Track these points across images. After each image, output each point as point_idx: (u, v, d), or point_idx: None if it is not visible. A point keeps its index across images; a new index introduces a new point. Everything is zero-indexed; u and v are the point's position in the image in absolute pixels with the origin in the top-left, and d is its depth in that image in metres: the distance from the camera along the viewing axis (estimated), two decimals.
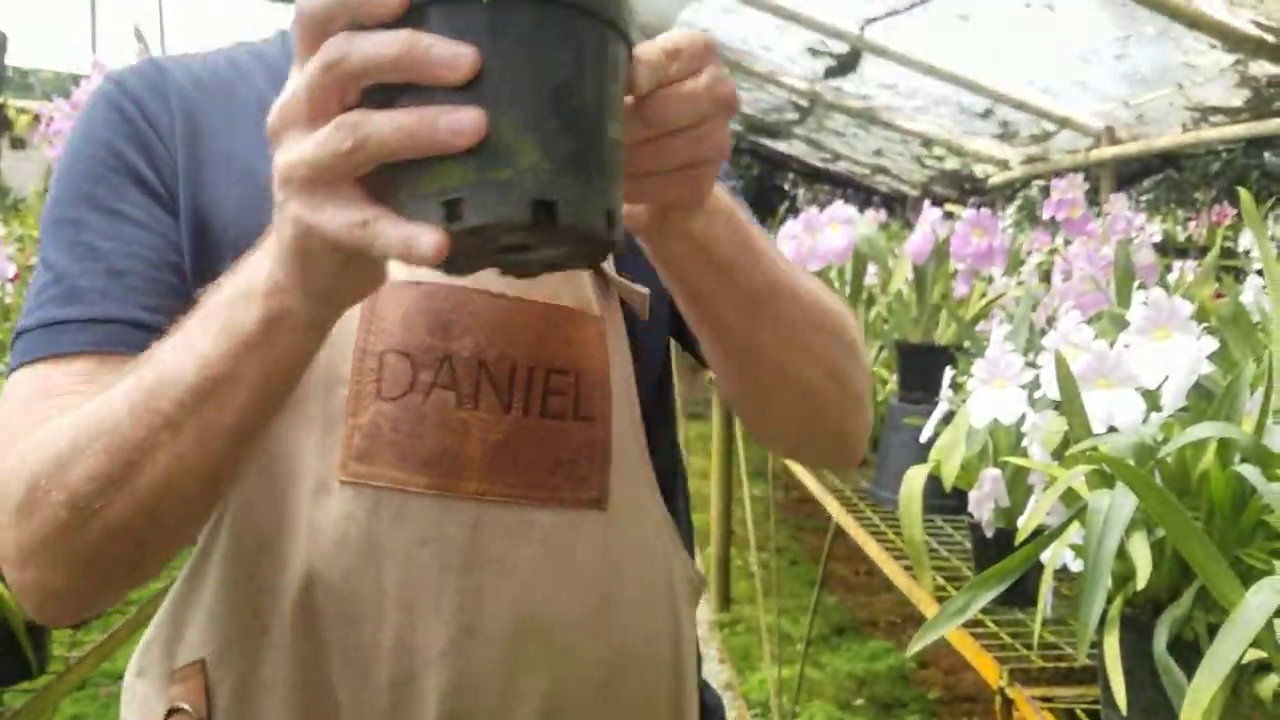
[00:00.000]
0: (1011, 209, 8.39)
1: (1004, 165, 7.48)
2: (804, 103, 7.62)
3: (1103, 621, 0.95)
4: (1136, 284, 1.59)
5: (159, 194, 0.79)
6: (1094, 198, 7.16)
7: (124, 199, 0.78)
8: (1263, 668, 0.82)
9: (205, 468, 0.62)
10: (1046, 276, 2.62)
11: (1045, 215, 1.97)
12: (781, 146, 9.22)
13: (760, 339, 0.75)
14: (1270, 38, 4.35)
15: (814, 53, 6.42)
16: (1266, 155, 6.81)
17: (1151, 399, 1.08)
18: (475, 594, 0.76)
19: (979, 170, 7.72)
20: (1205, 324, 1.27)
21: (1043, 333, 1.75)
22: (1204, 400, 1.10)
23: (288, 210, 0.51)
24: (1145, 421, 1.02)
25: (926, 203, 1.85)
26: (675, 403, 1.00)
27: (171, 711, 0.77)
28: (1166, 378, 1.05)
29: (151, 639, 0.81)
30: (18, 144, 6.55)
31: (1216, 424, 0.93)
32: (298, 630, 0.76)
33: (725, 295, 0.71)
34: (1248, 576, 0.86)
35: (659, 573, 0.85)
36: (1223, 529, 0.92)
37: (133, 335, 0.73)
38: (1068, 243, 2.38)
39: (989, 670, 1.14)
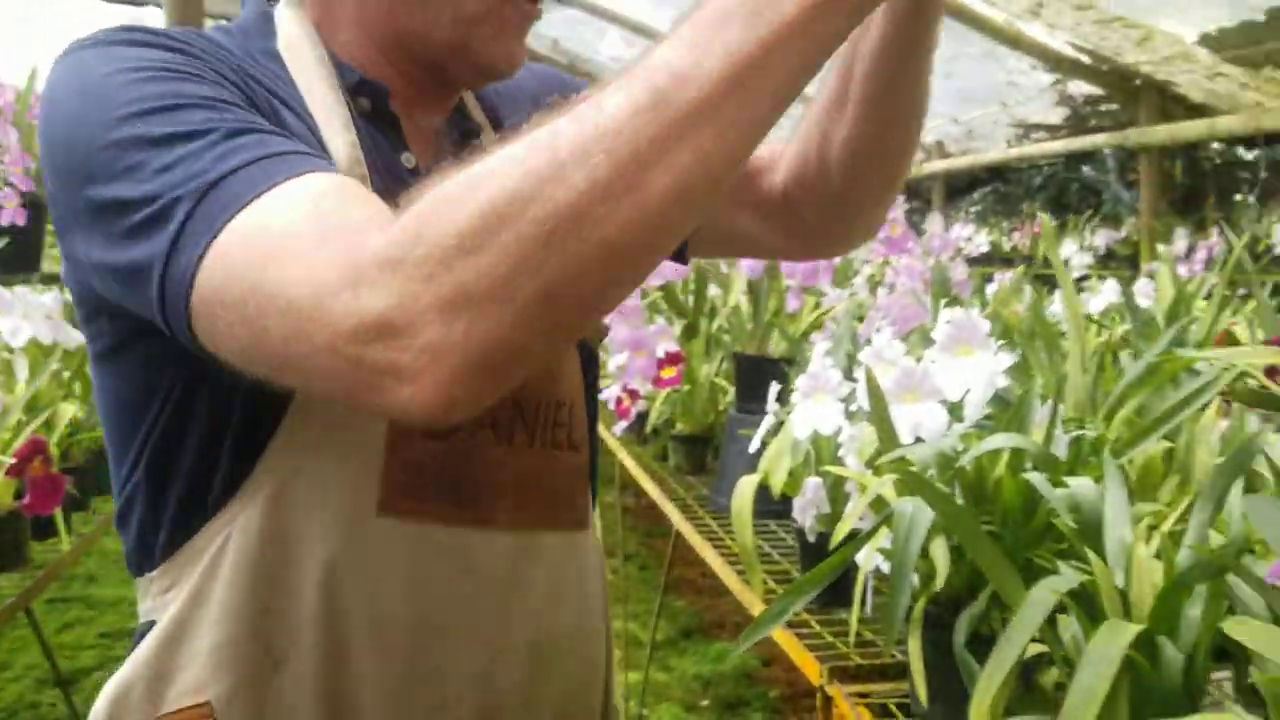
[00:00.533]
0: None
1: None
2: None
3: (910, 620, 1.02)
4: (946, 300, 1.69)
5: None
6: (927, 208, 7.48)
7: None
8: (1049, 661, 0.90)
9: (720, 169, 0.54)
10: (876, 287, 2.74)
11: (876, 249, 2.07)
12: None
13: (923, 65, 0.83)
14: (1085, 58, 4.64)
15: None
16: (1084, 169, 7.25)
17: (956, 410, 1.16)
18: (505, 617, 0.79)
19: None
20: (1006, 340, 1.36)
21: (869, 343, 1.84)
22: (1004, 411, 1.19)
23: None
24: (948, 432, 1.09)
25: None
26: None
27: None
28: (968, 391, 1.13)
29: (128, 684, 0.76)
30: None
31: (1008, 435, 1.01)
32: (323, 662, 0.74)
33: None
34: (1037, 576, 0.94)
35: (601, 577, 0.92)
36: (1015, 532, 1.00)
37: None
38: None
39: (811, 669, 1.20)
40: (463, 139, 0.86)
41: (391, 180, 0.77)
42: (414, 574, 0.76)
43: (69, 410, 1.76)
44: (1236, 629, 0.61)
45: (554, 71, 1.00)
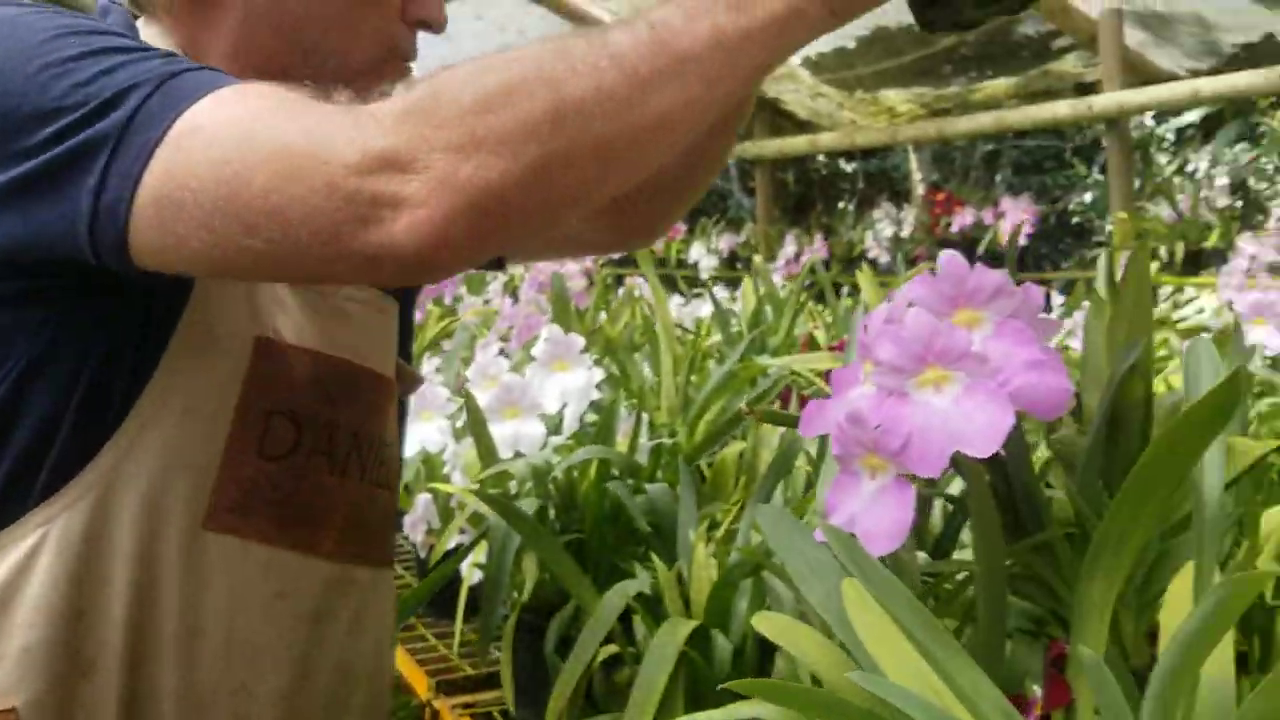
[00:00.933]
0: None
1: None
2: None
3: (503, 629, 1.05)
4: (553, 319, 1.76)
5: None
6: None
7: None
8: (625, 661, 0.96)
9: (697, 112, 0.61)
10: (514, 293, 2.80)
11: None
12: None
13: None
14: None
15: None
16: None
17: (558, 423, 1.21)
18: (316, 644, 0.81)
19: None
20: (609, 353, 1.44)
21: (503, 354, 1.88)
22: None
23: None
24: (545, 445, 1.14)
25: None
26: None
27: None
28: (566, 405, 1.19)
29: None
30: None
31: (596, 446, 1.07)
32: (128, 673, 0.73)
33: None
34: (621, 580, 1.00)
35: (393, 617, 0.94)
36: (601, 538, 1.06)
37: None
38: None
39: (419, 682, 1.21)
40: None
41: None
42: (231, 591, 0.76)
43: None
44: (763, 622, 0.69)
45: None
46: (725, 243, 5.60)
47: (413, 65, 0.83)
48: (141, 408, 0.73)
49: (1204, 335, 0.92)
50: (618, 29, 0.61)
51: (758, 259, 2.86)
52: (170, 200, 0.60)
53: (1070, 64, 3.68)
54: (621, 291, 3.30)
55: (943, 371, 0.55)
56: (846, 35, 4.04)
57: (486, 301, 2.66)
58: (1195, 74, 3.34)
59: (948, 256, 0.58)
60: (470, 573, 1.10)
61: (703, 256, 5.71)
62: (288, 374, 0.79)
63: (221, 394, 0.76)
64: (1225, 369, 0.61)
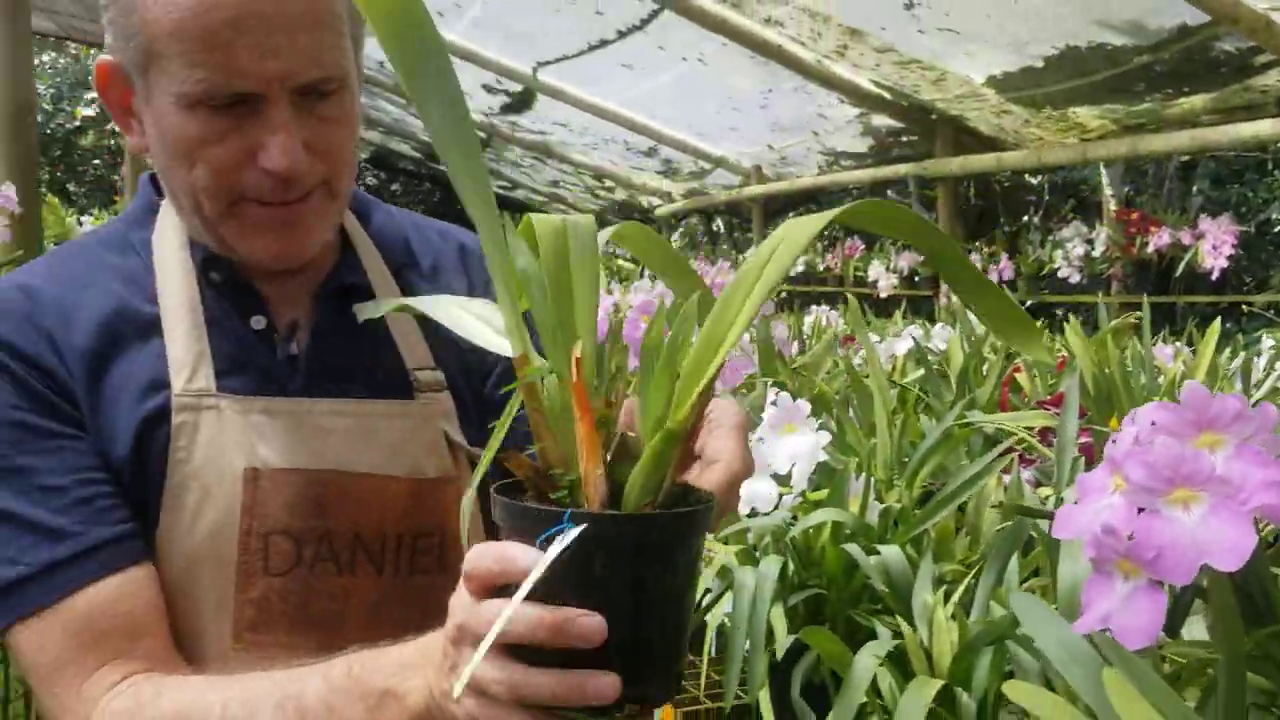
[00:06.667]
0: (675, 236, 8.97)
1: (668, 197, 8.01)
2: (481, 135, 7.81)
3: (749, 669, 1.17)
4: (772, 382, 1.86)
5: (79, 421, 0.85)
6: (748, 226, 7.79)
7: (53, 434, 0.83)
8: (870, 710, 1.06)
9: None
10: None
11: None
12: None
13: None
14: (888, 95, 4.99)
15: (489, 89, 6.60)
16: (889, 193, 7.70)
17: (785, 480, 1.32)
18: None
19: (645, 201, 8.22)
20: (823, 410, 1.54)
21: None
22: (829, 475, 1.36)
23: (463, 703, 0.62)
24: (779, 503, 1.25)
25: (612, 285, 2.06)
26: None
27: None
28: (794, 464, 1.29)
29: None
30: None
31: (829, 510, 1.17)
32: None
33: None
34: (858, 632, 1.10)
35: None
36: (839, 593, 1.17)
37: (125, 548, 0.83)
38: None
39: (666, 714, 1.34)
40: (342, 294, 0.94)
41: (236, 344, 0.90)
42: None
43: None
44: (1013, 690, 0.78)
45: (435, 241, 1.05)
46: (905, 260, 5.59)
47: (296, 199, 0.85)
48: (158, 552, 0.85)
49: None
50: (310, 690, 0.74)
51: (955, 299, 2.87)
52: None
53: (1274, 79, 3.56)
54: (809, 321, 3.37)
55: (1190, 492, 0.64)
56: (1033, 55, 4.02)
57: None
58: None
59: (1191, 388, 0.66)
60: (715, 618, 1.22)
61: (881, 275, 5.72)
62: (278, 495, 0.87)
63: (221, 527, 0.85)
64: None
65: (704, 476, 0.71)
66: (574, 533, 0.59)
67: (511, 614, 0.58)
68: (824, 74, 4.91)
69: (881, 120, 5.31)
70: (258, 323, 0.91)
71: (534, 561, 0.58)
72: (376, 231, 1.00)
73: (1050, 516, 0.74)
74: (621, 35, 5.18)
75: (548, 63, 5.88)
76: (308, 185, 0.85)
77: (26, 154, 2.85)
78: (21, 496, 0.82)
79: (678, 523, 0.64)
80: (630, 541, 0.61)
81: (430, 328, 0.93)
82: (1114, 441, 0.70)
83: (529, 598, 0.59)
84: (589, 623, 0.59)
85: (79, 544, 0.81)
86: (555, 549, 0.58)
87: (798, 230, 0.67)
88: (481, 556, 0.62)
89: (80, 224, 5.31)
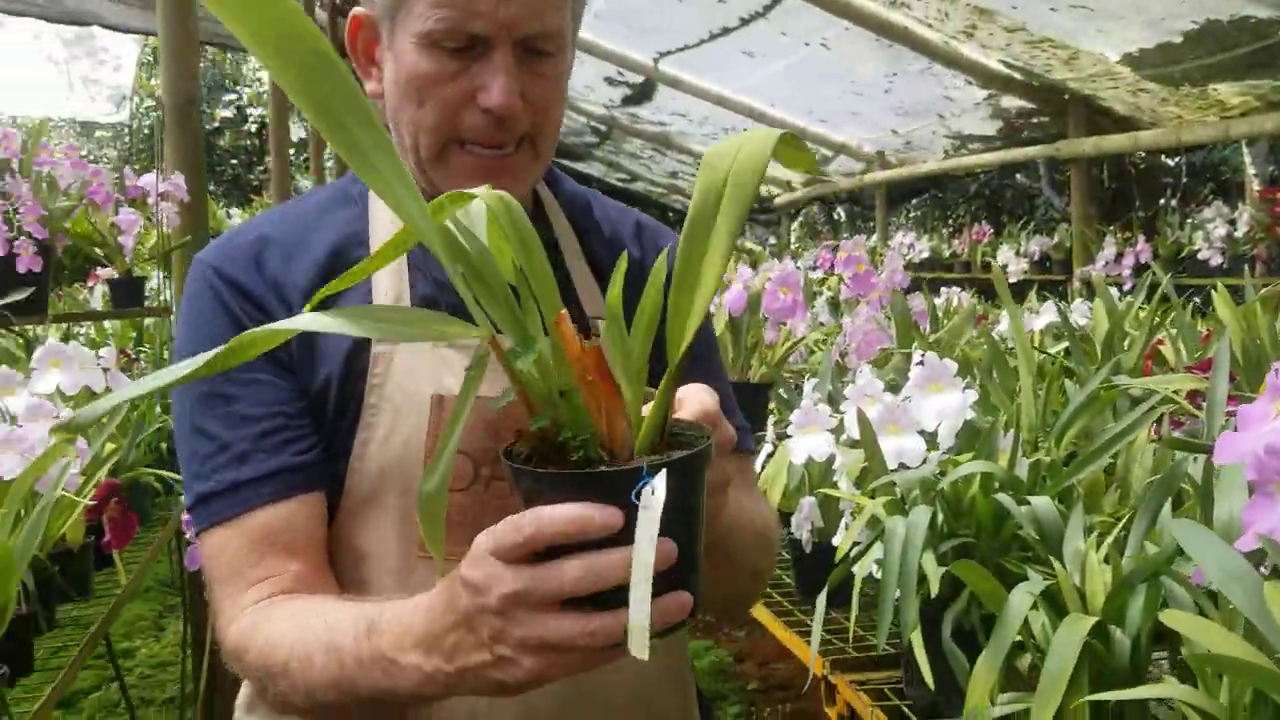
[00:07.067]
0: (795, 226, 8.96)
1: (788, 186, 8.01)
2: (602, 127, 7.93)
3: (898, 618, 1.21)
4: (915, 345, 1.90)
5: (282, 361, 0.96)
6: (869, 215, 7.75)
7: (256, 369, 0.94)
8: (1022, 648, 1.10)
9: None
10: (835, 304, 2.95)
11: (837, 270, 2.27)
12: (581, 167, 9.50)
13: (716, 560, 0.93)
14: (1018, 75, 4.91)
15: (611, 82, 6.70)
16: (1018, 177, 7.57)
17: (931, 438, 1.36)
18: None
19: (764, 191, 8.23)
20: (966, 373, 1.57)
21: (839, 366, 2.04)
22: (972, 436, 1.39)
23: (523, 664, 0.69)
24: (926, 458, 1.29)
25: (741, 266, 2.12)
26: None
27: None
28: (941, 422, 1.33)
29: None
30: None
31: (979, 462, 1.21)
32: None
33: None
34: (1007, 579, 1.14)
35: None
36: (988, 542, 1.20)
37: (295, 478, 0.94)
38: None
39: (818, 664, 1.39)
40: None
41: (433, 286, 0.99)
42: None
43: (111, 450, 1.90)
44: (1170, 618, 0.81)
45: (614, 217, 1.13)
46: (1036, 245, 5.50)
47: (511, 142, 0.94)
48: (352, 477, 0.95)
49: None
50: (347, 644, 0.82)
51: (1096, 274, 2.85)
52: None
53: None
54: (940, 300, 3.37)
55: None
56: (1171, 31, 3.92)
57: (820, 324, 2.82)
58: None
59: None
60: (864, 568, 1.27)
61: (1010, 260, 5.63)
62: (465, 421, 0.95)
63: (409, 450, 0.94)
64: None
65: (681, 413, 0.76)
66: (661, 477, 0.64)
67: (645, 556, 0.63)
68: (951, 55, 4.86)
69: (1011, 101, 5.23)
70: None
71: (609, 516, 0.64)
72: (566, 199, 1.10)
73: (1208, 450, 0.77)
74: (744, 22, 5.20)
75: (669, 53, 5.94)
76: (517, 132, 0.95)
77: (192, 146, 3.04)
78: (222, 420, 0.94)
79: (709, 450, 0.69)
80: (685, 474, 0.66)
81: (605, 282, 1.01)
82: (1275, 372, 0.73)
83: (599, 545, 0.64)
84: (671, 548, 0.65)
85: (259, 469, 0.93)
86: (661, 493, 0.63)
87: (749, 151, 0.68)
88: (547, 522, 0.65)
89: (229, 217, 5.59)
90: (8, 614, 1.30)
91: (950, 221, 8.63)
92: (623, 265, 0.73)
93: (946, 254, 6.29)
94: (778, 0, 4.82)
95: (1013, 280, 5.49)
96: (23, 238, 2.36)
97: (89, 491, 1.60)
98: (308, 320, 0.64)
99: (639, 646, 0.62)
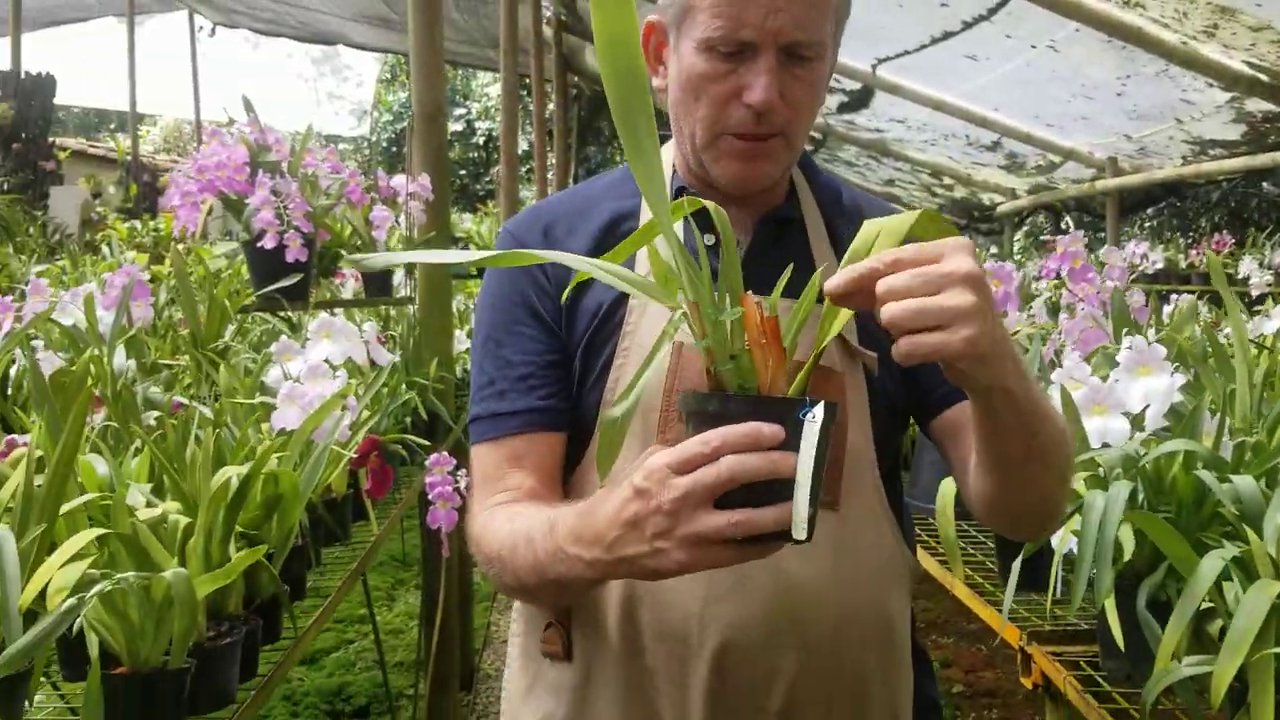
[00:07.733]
0: (1019, 235, 8.70)
1: (1011, 194, 7.79)
2: (818, 135, 7.96)
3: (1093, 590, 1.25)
4: (1127, 329, 1.89)
5: (546, 321, 1.16)
6: (1099, 224, 7.45)
7: (524, 324, 1.16)
8: (1214, 614, 1.12)
9: (549, 591, 1.03)
10: (1054, 308, 2.92)
11: (1050, 266, 2.26)
12: None
13: (1029, 468, 0.96)
14: (1264, 77, 4.66)
15: (828, 90, 6.73)
16: (1265, 185, 7.10)
17: (1137, 421, 1.38)
18: (753, 569, 1.00)
19: (986, 199, 8.04)
20: (1179, 363, 1.57)
21: (1052, 364, 2.05)
22: (1178, 421, 1.40)
23: (675, 555, 0.83)
24: (1130, 439, 1.32)
25: None
26: (903, 435, 1.26)
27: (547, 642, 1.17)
28: (1147, 405, 1.36)
29: (523, 616, 1.22)
30: (56, 179, 6.88)
31: (1182, 440, 1.23)
32: (622, 616, 1.09)
33: (1015, 437, 0.93)
34: (1205, 553, 1.16)
35: (875, 558, 1.12)
36: (1188, 518, 1.23)
37: (538, 417, 1.14)
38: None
39: (1011, 634, 1.44)
40: (778, 226, 1.16)
41: (692, 252, 1.09)
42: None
43: (366, 416, 2.13)
44: None
45: (863, 205, 1.24)
46: None
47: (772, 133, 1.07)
48: (605, 399, 1.10)
49: None
50: (538, 539, 0.98)
51: None
52: None
53: None
54: (1169, 308, 3.27)
55: None
56: None
57: (1030, 316, 2.81)
58: None
59: None
60: (1063, 543, 1.31)
61: (1254, 271, 5.32)
62: (694, 364, 1.08)
63: (650, 385, 1.03)
64: None
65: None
66: (821, 406, 0.79)
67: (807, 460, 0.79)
68: (1190, 56, 4.66)
69: (1257, 104, 4.95)
70: (708, 239, 1.14)
71: (776, 431, 0.79)
72: (818, 187, 1.22)
73: None
74: (967, 26, 5.14)
75: (887, 59, 5.93)
76: (774, 125, 1.07)
77: (438, 150, 3.32)
78: (493, 361, 1.17)
79: (838, 408, 0.83)
80: (830, 410, 0.80)
81: (841, 257, 1.11)
82: None
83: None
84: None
85: (513, 405, 1.15)
86: (821, 416, 0.79)
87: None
88: (730, 433, 0.79)
89: (461, 221, 5.95)
90: (290, 542, 1.52)
91: (1190, 233, 8.18)
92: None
93: (1183, 265, 5.99)
94: (1003, 3, 4.75)
95: (1256, 293, 5.19)
96: (291, 230, 2.65)
97: (352, 447, 1.82)
98: (581, 261, 0.87)
99: (799, 529, 0.78)
